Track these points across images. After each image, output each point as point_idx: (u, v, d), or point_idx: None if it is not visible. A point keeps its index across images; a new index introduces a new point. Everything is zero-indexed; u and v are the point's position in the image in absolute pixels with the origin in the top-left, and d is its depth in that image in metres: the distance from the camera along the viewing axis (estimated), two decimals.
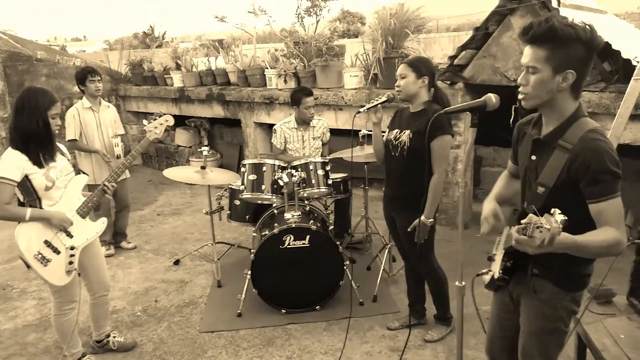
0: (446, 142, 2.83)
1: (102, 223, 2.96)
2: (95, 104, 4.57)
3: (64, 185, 2.78)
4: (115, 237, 5.02)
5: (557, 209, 1.40)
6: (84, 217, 2.84)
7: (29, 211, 2.61)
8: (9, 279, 4.42)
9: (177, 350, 3.26)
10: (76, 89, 7.79)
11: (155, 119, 3.39)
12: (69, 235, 2.75)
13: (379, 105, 2.94)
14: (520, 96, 1.76)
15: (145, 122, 3.47)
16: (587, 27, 1.62)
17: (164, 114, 3.49)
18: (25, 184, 2.63)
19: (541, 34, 1.63)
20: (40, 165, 2.65)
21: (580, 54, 1.63)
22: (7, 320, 3.76)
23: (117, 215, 4.96)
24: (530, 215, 1.44)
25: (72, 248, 2.74)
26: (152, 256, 4.83)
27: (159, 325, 3.57)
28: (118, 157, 4.56)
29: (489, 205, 2.02)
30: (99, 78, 4.54)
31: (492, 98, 1.91)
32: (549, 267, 1.82)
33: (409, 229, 2.89)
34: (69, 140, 4.49)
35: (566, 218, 1.38)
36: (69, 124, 4.49)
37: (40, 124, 2.62)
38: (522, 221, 1.47)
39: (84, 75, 4.48)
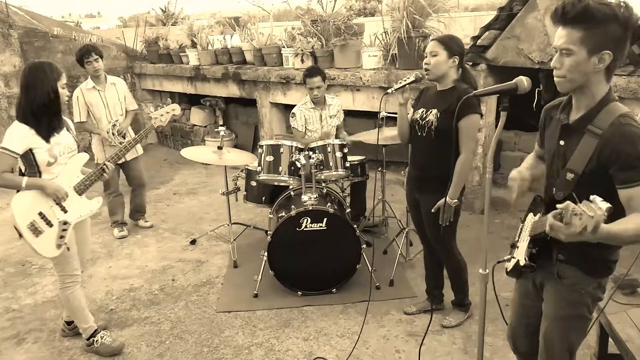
0: (475, 122, 2.76)
1: (97, 202, 3.00)
2: (99, 84, 4.48)
3: (65, 162, 2.84)
4: (132, 214, 5.05)
5: (597, 196, 1.35)
6: (80, 195, 2.89)
7: (25, 179, 2.69)
8: (28, 255, 4.47)
9: (194, 329, 3.29)
10: None
11: (163, 107, 3.38)
12: (64, 210, 2.81)
13: (407, 85, 2.86)
14: (555, 80, 1.70)
15: (152, 108, 3.46)
16: (623, 4, 1.55)
17: (172, 103, 3.48)
18: (29, 157, 2.71)
19: (576, 14, 1.56)
20: (47, 139, 2.72)
21: (617, 33, 1.56)
22: (26, 295, 3.81)
23: (132, 194, 4.97)
24: (567, 202, 1.40)
25: (65, 223, 2.80)
26: (168, 235, 4.86)
27: (176, 304, 3.60)
28: (123, 135, 4.54)
29: (515, 171, 2.00)
30: (95, 57, 4.35)
31: (524, 81, 1.84)
32: (574, 253, 1.79)
33: (432, 210, 2.84)
34: (76, 123, 4.42)
35: (610, 205, 1.33)
36: (74, 106, 4.46)
37: (52, 94, 2.70)
38: (559, 206, 1.43)
39: (80, 56, 4.36)
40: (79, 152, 2.97)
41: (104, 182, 4.65)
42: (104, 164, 2.96)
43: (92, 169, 2.98)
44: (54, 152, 2.76)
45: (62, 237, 2.78)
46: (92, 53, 4.35)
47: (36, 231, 2.71)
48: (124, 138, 4.53)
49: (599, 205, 1.33)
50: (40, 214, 2.73)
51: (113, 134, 4.46)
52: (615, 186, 1.63)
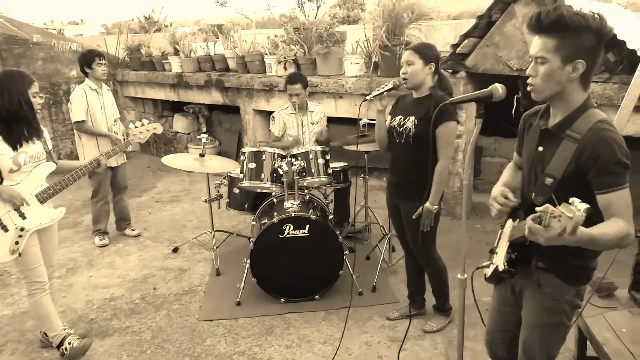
0: (452, 128, 2.80)
1: (60, 212, 2.99)
2: (99, 87, 4.56)
3: (29, 170, 2.83)
4: (118, 223, 5.00)
5: (576, 198, 1.36)
6: (42, 203, 2.87)
7: None
8: (7, 266, 4.38)
9: (176, 338, 3.26)
10: (73, 73, 7.80)
11: (143, 125, 3.38)
12: (22, 216, 2.79)
13: (385, 92, 2.89)
14: (529, 88, 1.73)
15: (132, 125, 3.45)
16: (597, 15, 1.59)
17: (154, 122, 3.49)
18: None
19: (550, 23, 1.60)
20: (14, 146, 2.72)
21: (590, 43, 1.60)
22: (4, 306, 3.74)
23: (114, 200, 4.92)
24: (547, 205, 1.41)
25: (21, 229, 2.77)
26: (150, 243, 4.81)
27: (157, 313, 3.56)
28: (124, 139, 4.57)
29: (497, 189, 1.99)
30: (105, 62, 4.54)
31: (499, 89, 1.87)
32: (554, 261, 1.80)
33: (413, 216, 2.86)
34: (76, 122, 4.47)
35: (589, 206, 1.34)
36: (77, 104, 4.44)
37: (23, 103, 2.70)
38: (537, 209, 1.44)
39: (91, 57, 4.44)
40: (53, 160, 2.98)
41: (93, 188, 4.65)
42: (99, 157, 3.07)
43: (57, 178, 2.95)
44: (19, 160, 2.75)
45: (17, 242, 2.76)
46: (103, 57, 4.52)
47: None
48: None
49: (578, 206, 1.34)
50: None
51: (115, 132, 4.58)
52: (594, 191, 1.64)
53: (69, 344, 3.02)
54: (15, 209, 2.77)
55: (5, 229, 2.74)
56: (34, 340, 3.29)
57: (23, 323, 3.50)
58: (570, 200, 1.37)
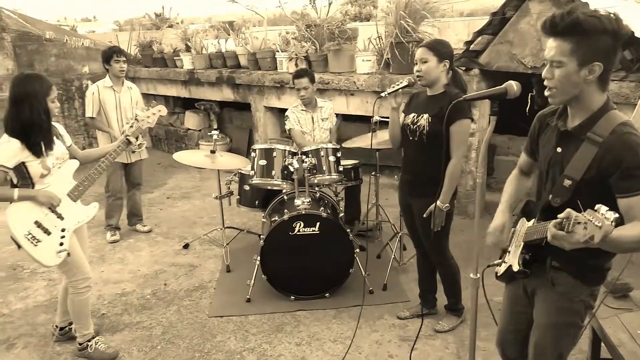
0: (466, 126, 2.77)
1: (94, 207, 2.97)
2: (117, 84, 4.58)
3: (56, 171, 2.80)
4: (130, 218, 5.03)
5: (602, 205, 1.34)
6: (75, 200, 2.85)
7: (16, 191, 2.64)
8: (20, 260, 4.44)
9: (186, 334, 3.26)
10: (85, 69, 7.86)
11: (149, 109, 3.38)
12: (60, 217, 2.77)
13: (400, 89, 2.87)
14: (547, 93, 1.70)
15: (138, 111, 3.45)
16: (612, 15, 1.55)
17: (158, 104, 3.48)
18: (21, 169, 2.66)
19: (565, 26, 1.57)
20: (38, 154, 2.66)
21: (607, 44, 1.57)
22: (17, 300, 3.78)
23: (127, 195, 4.94)
24: (569, 210, 1.39)
25: (62, 230, 2.76)
26: (161, 239, 4.83)
27: (168, 309, 3.57)
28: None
29: (500, 218, 2.01)
30: (124, 59, 4.55)
31: (514, 86, 1.84)
32: (569, 260, 1.77)
33: (424, 215, 2.84)
34: (87, 118, 4.58)
35: (618, 215, 1.32)
36: (88, 101, 4.51)
37: (42, 114, 2.63)
38: (559, 216, 1.43)
39: (110, 54, 4.49)
40: (78, 153, 2.98)
41: (106, 181, 4.66)
42: (127, 135, 3.04)
43: (84, 172, 2.93)
44: (48, 164, 2.71)
45: (61, 244, 2.74)
46: (123, 54, 4.54)
47: (34, 240, 2.66)
48: (137, 140, 4.54)
49: (606, 215, 1.31)
50: (37, 222, 2.69)
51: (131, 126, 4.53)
52: (615, 195, 1.62)
53: (96, 343, 3.04)
54: (52, 211, 2.74)
55: (48, 232, 2.71)
56: (46, 334, 3.32)
57: (35, 317, 3.53)
58: (596, 207, 1.35)
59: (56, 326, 3.21)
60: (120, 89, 4.60)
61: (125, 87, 4.66)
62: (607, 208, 1.33)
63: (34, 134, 2.63)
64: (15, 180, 2.71)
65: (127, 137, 3.05)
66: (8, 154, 2.59)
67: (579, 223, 1.36)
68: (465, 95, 2.03)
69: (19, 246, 2.66)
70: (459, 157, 2.80)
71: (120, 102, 4.59)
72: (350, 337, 3.08)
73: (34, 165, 2.66)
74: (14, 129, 2.62)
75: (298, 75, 4.16)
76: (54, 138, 2.79)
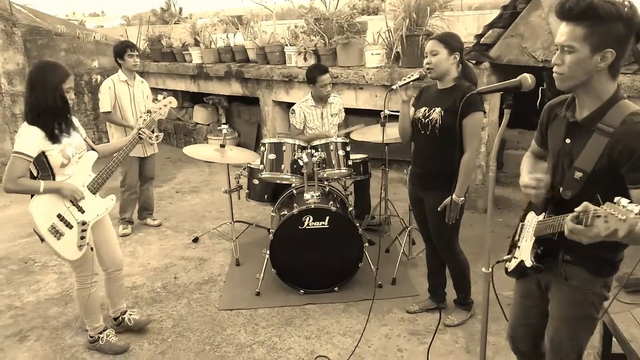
0: (479, 119, 2.76)
1: (111, 200, 2.97)
2: (130, 79, 4.61)
3: (76, 162, 2.80)
4: (140, 212, 5.06)
5: (622, 198, 1.32)
6: (94, 193, 2.86)
7: (42, 183, 2.64)
8: (31, 253, 4.49)
9: (196, 327, 3.29)
10: (95, 64, 7.89)
11: (159, 100, 3.38)
12: (81, 210, 2.78)
13: (411, 82, 2.85)
14: (555, 76, 1.68)
15: (150, 103, 3.47)
16: (627, 3, 1.53)
17: (168, 96, 3.48)
18: (41, 160, 2.65)
19: (580, 10, 1.55)
20: (56, 141, 2.66)
21: (620, 32, 1.54)
22: (29, 293, 3.82)
23: (140, 189, 4.97)
24: (586, 203, 1.38)
25: (83, 223, 2.77)
26: (171, 233, 4.86)
27: (178, 302, 3.60)
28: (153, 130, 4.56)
29: (525, 176, 1.90)
30: (137, 53, 4.59)
31: (528, 78, 1.82)
32: (582, 254, 1.76)
33: (439, 209, 2.83)
34: (103, 112, 4.60)
35: None
36: (104, 95, 4.53)
37: (57, 98, 2.63)
38: (577, 209, 1.41)
39: (123, 49, 4.51)
40: (92, 147, 2.98)
41: (123, 176, 4.69)
42: (140, 128, 3.04)
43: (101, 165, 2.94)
44: (67, 153, 2.71)
45: (82, 237, 2.75)
46: (135, 48, 4.57)
47: (57, 234, 2.66)
48: (153, 133, 4.56)
49: (628, 207, 1.28)
50: (59, 216, 2.69)
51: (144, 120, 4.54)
52: (627, 186, 1.61)
53: (108, 336, 3.06)
54: (73, 204, 2.75)
55: (70, 226, 2.72)
56: (58, 326, 3.35)
57: (47, 310, 3.57)
58: (616, 199, 1.33)
59: (112, 318, 3.23)
60: (133, 83, 4.63)
61: (138, 81, 4.69)
62: (629, 200, 1.31)
63: (52, 118, 2.63)
64: (35, 172, 2.71)
65: (141, 131, 3.06)
66: (30, 143, 2.59)
67: (598, 216, 1.34)
68: (480, 88, 2.01)
69: (42, 240, 2.66)
70: (472, 151, 2.79)
71: (135, 97, 4.62)
72: (360, 330, 3.08)
73: (54, 155, 2.65)
74: (32, 116, 2.62)
75: (324, 71, 4.16)
76: (71, 129, 2.79)
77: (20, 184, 2.60)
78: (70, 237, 2.72)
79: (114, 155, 2.98)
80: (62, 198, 2.70)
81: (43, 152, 2.63)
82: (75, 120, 2.92)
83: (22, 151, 2.57)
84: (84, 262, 2.85)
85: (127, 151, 3.01)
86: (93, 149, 2.95)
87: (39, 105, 2.61)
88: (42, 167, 2.68)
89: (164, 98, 3.40)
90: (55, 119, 2.65)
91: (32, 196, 2.67)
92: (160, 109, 3.34)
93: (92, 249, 2.82)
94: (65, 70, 2.70)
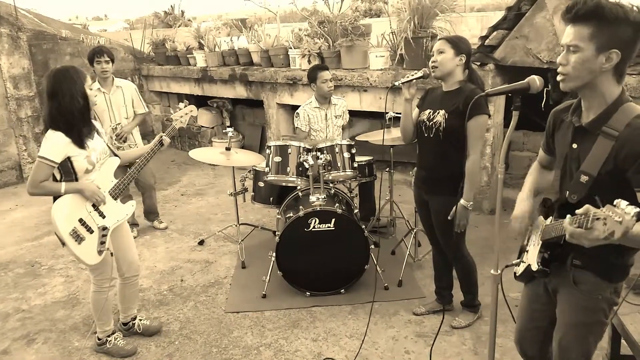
0: (483, 122, 2.75)
1: (132, 206, 2.98)
2: (105, 86, 4.45)
3: (99, 168, 2.80)
4: (147, 215, 5.07)
5: (622, 200, 1.32)
6: (115, 199, 2.86)
7: (63, 184, 2.65)
8: (38, 256, 4.50)
9: (203, 329, 3.29)
10: None
11: (181, 109, 3.39)
12: (102, 215, 2.78)
13: (414, 80, 2.85)
14: (559, 77, 1.68)
15: (172, 111, 3.47)
16: (636, 8, 1.54)
17: (189, 104, 3.48)
18: (66, 165, 2.66)
19: (587, 11, 1.56)
20: (82, 146, 2.66)
21: (627, 34, 1.55)
22: (36, 296, 3.83)
23: (143, 197, 4.99)
24: (587, 206, 1.37)
25: (104, 228, 2.77)
26: (177, 236, 4.87)
27: (185, 305, 3.60)
28: (124, 139, 4.50)
29: (524, 205, 1.98)
30: (106, 59, 4.34)
31: (537, 81, 1.82)
32: (591, 258, 1.75)
33: (449, 217, 2.80)
34: None
35: (639, 210, 1.28)
36: None
37: (81, 99, 2.63)
38: (577, 212, 1.41)
39: (92, 55, 4.36)
40: (114, 152, 2.98)
41: (134, 180, 4.68)
42: (161, 136, 3.04)
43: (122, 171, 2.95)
44: (92, 159, 2.72)
45: (102, 242, 2.76)
46: (104, 54, 4.34)
47: (78, 238, 2.66)
48: (125, 142, 4.52)
49: (626, 210, 1.28)
50: (81, 220, 2.69)
51: (110, 137, 4.42)
52: (634, 189, 1.60)
53: (116, 339, 3.07)
54: (95, 209, 2.75)
55: (91, 231, 2.72)
56: (65, 329, 3.36)
57: (54, 312, 3.58)
58: (615, 202, 1.33)
59: (122, 323, 3.24)
60: (109, 90, 4.46)
61: (115, 86, 4.51)
62: (628, 203, 1.30)
63: (76, 122, 2.63)
64: (58, 176, 2.71)
65: (162, 138, 3.06)
66: (56, 149, 2.60)
67: (597, 219, 1.34)
68: (488, 90, 2.01)
69: (63, 243, 2.66)
70: (477, 154, 2.78)
71: (112, 104, 4.47)
72: (367, 333, 3.08)
73: (79, 160, 2.66)
74: (57, 122, 2.62)
75: (323, 67, 4.19)
76: (95, 133, 2.80)
77: (42, 187, 2.62)
78: (91, 241, 2.72)
79: (136, 161, 2.98)
80: (84, 202, 2.70)
81: (69, 158, 2.64)
82: (97, 124, 2.91)
83: (47, 156, 2.59)
84: (102, 266, 2.85)
85: (149, 157, 3.00)
86: (115, 155, 2.96)
87: (64, 110, 2.60)
88: (67, 171, 2.68)
89: (185, 107, 3.41)
90: (79, 122, 2.65)
91: (54, 200, 2.67)
92: (181, 117, 3.35)
93: (111, 254, 2.83)
94: (83, 72, 2.72)
